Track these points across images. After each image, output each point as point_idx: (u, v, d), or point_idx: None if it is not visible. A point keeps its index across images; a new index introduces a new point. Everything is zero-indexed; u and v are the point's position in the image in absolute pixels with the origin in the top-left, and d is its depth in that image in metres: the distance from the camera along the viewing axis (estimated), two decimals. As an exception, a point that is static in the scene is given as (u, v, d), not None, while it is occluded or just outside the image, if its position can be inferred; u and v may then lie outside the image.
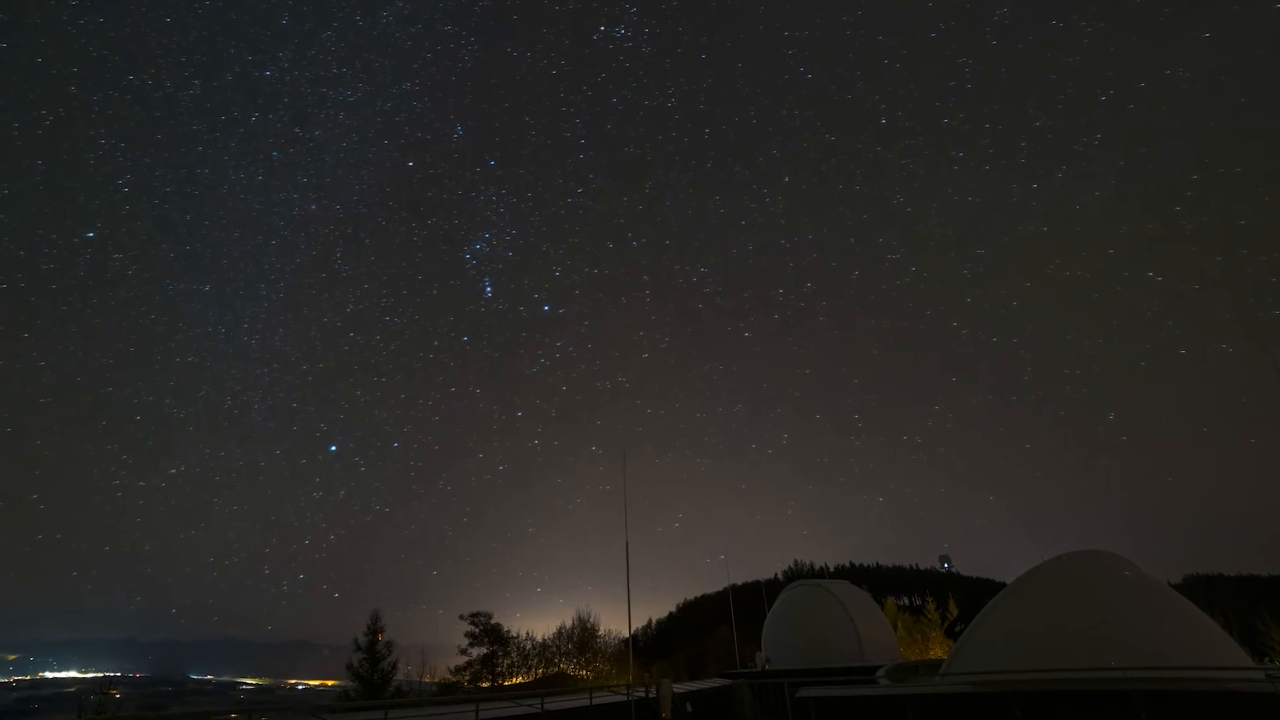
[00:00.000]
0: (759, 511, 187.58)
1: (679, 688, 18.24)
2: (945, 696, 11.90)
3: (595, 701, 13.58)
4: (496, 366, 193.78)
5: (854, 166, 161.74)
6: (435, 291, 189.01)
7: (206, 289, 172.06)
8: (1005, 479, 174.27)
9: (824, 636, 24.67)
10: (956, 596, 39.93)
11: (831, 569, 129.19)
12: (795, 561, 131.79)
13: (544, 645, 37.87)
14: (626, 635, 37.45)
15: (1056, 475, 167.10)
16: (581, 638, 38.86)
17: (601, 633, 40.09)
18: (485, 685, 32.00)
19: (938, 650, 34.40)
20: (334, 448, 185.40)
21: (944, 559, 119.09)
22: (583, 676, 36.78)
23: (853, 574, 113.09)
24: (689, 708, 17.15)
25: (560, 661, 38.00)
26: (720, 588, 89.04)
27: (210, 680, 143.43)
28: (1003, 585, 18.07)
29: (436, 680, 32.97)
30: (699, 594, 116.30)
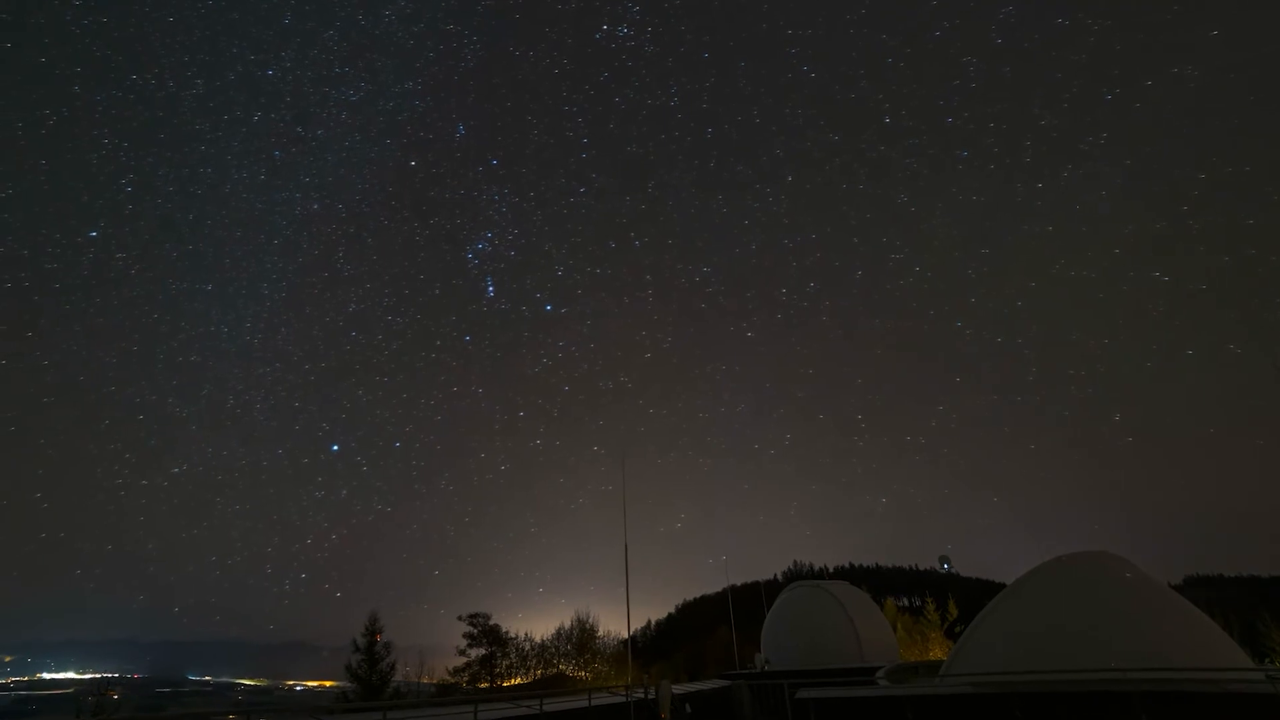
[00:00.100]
0: (761, 512, 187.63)
1: (678, 689, 18.21)
2: (945, 698, 11.87)
3: (594, 703, 13.54)
4: (499, 366, 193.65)
5: (858, 166, 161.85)
6: (437, 291, 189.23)
7: (209, 288, 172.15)
8: (1008, 480, 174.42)
9: (823, 637, 24.65)
10: (956, 597, 39.93)
11: (831, 570, 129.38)
12: (794, 562, 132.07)
13: (542, 646, 37.85)
14: (625, 636, 37.44)
15: (1060, 476, 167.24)
16: (580, 639, 38.81)
17: (600, 634, 40.09)
18: (484, 686, 31.95)
19: (937, 651, 34.37)
20: (336, 447, 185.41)
21: (943, 560, 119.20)
22: (582, 678, 36.72)
23: (852, 575, 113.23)
24: (688, 709, 17.10)
25: (559, 663, 37.95)
26: (720, 589, 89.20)
27: (208, 681, 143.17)
28: (1002, 586, 18.04)
29: (435, 681, 32.91)
30: (698, 595, 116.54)
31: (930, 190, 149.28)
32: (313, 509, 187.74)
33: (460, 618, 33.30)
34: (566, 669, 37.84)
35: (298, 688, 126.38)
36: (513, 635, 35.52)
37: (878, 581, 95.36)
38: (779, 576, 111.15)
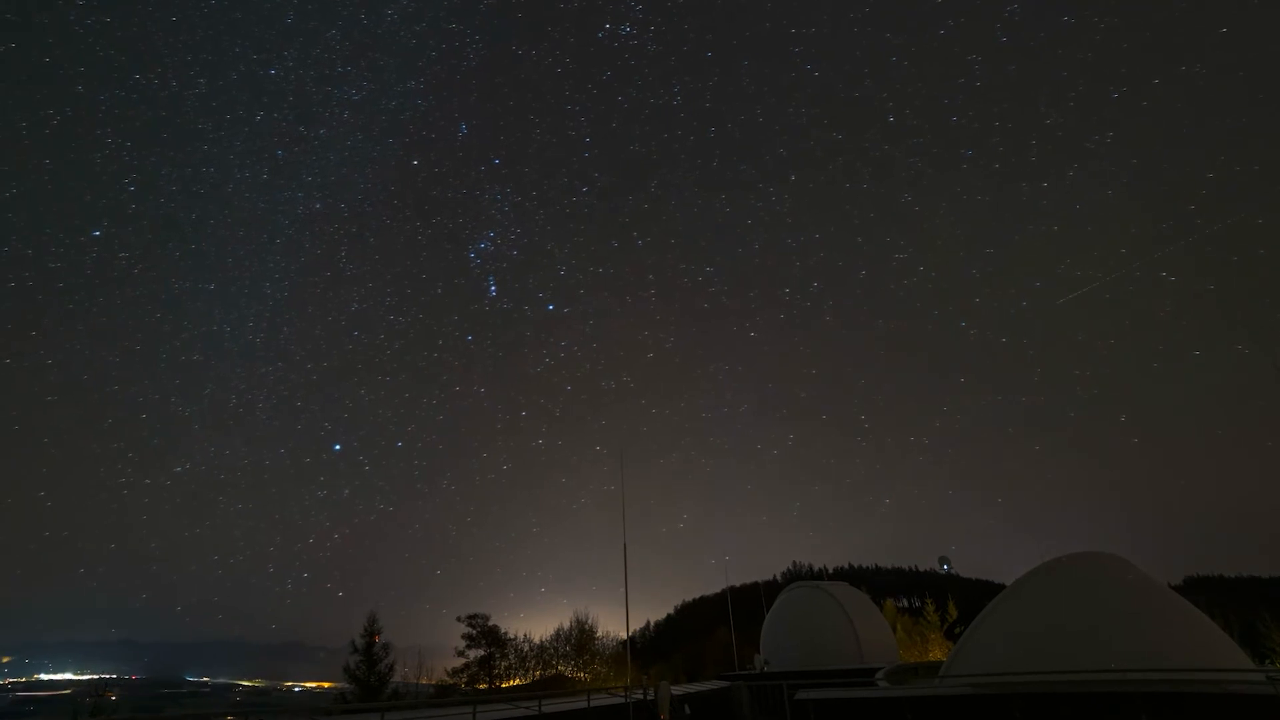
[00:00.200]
0: (764, 512, 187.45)
1: (677, 689, 18.17)
2: (944, 699, 11.84)
3: (593, 704, 13.51)
4: (501, 366, 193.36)
5: (861, 165, 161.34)
6: (440, 290, 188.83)
7: (211, 288, 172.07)
8: (1012, 480, 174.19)
9: (823, 638, 24.60)
10: (956, 598, 39.95)
11: (830, 571, 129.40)
12: (794, 563, 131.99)
13: (541, 647, 37.79)
14: (625, 637, 37.38)
15: (1065, 477, 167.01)
16: (579, 640, 38.76)
17: (599, 635, 40.05)
18: (482, 687, 31.87)
19: (937, 652, 34.34)
20: (338, 446, 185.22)
21: (943, 560, 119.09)
22: (581, 679, 36.67)
23: (852, 576, 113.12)
24: (687, 710, 17.07)
25: (558, 663, 37.88)
26: (719, 589, 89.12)
27: (206, 682, 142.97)
28: (1002, 587, 18.02)
29: (434, 682, 32.84)
30: (698, 596, 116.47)
31: (934, 190, 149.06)
32: (315, 508, 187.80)
33: (459, 618, 33.26)
34: (565, 670, 37.78)
35: (296, 689, 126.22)
36: (511, 636, 35.49)
37: (877, 582, 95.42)
38: (778, 577, 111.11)
